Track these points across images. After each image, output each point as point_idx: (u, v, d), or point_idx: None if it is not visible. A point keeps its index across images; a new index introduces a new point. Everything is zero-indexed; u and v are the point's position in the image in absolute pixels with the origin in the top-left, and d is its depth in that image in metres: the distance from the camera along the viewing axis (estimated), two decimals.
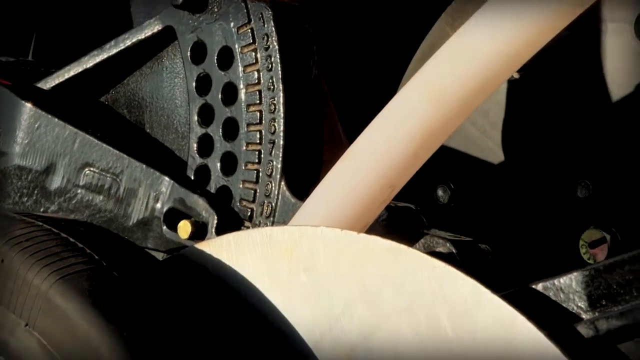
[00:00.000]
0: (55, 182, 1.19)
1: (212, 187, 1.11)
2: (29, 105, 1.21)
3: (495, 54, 0.83)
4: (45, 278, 0.80)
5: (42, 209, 1.20)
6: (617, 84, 1.06)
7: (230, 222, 1.08)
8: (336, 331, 0.81)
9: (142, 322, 0.79)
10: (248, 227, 1.07)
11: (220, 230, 1.06)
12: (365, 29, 1.49)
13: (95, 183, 1.16)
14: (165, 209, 1.11)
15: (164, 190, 1.12)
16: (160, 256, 1.12)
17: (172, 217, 1.11)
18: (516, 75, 1.13)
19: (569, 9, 0.82)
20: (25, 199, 1.21)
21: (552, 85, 1.11)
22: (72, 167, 1.18)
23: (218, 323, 0.86)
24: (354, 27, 1.44)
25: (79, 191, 1.18)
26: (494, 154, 1.15)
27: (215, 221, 1.07)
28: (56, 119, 1.19)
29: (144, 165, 1.14)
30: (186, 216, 1.10)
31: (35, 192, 1.21)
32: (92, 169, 1.17)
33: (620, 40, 1.06)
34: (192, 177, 1.14)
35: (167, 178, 1.12)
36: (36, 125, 1.20)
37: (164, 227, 1.11)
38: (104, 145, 1.17)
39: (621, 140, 1.06)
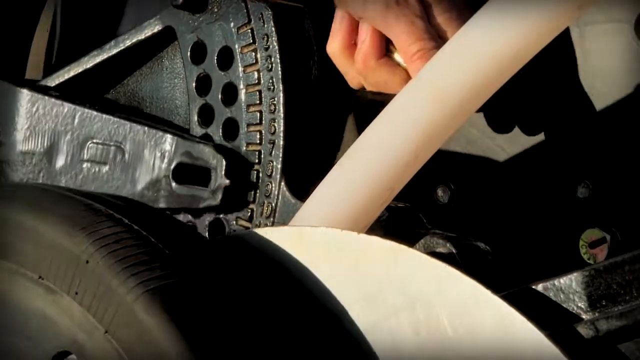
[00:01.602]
0: (60, 160, 1.19)
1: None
2: (25, 90, 1.21)
3: (497, 54, 0.83)
4: (131, 289, 0.76)
5: None
6: (617, 84, 1.06)
7: (239, 165, 1.07)
8: None
9: (224, 343, 0.76)
10: (248, 227, 1.07)
11: (230, 174, 1.06)
12: None
13: (100, 154, 1.16)
14: (173, 166, 1.11)
15: (169, 148, 1.11)
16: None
17: (181, 172, 1.10)
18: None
19: (571, 9, 0.82)
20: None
21: (552, 85, 1.11)
22: (75, 143, 1.18)
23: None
24: None
25: (84, 165, 1.17)
26: (494, 154, 1.15)
27: (224, 164, 1.07)
28: (53, 99, 1.19)
29: (146, 127, 1.13)
30: (195, 168, 1.09)
31: (41, 174, 1.20)
32: (94, 140, 1.17)
33: (620, 40, 1.06)
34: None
35: (169, 135, 1.11)
36: (34, 109, 1.20)
37: (174, 184, 1.10)
38: (104, 115, 1.16)
39: (621, 140, 1.06)
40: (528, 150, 1.13)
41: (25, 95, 1.21)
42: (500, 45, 0.83)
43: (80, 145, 1.17)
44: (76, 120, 1.18)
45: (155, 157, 1.12)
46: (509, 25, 0.82)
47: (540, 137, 1.12)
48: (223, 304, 0.78)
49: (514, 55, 0.83)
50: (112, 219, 0.82)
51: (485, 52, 0.84)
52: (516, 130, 1.14)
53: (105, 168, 1.16)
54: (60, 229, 0.81)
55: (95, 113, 1.17)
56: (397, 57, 1.04)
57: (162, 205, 1.12)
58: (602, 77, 1.08)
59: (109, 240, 0.79)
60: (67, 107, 1.18)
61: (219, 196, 1.07)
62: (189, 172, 1.09)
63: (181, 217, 1.13)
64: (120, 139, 1.15)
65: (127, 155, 1.14)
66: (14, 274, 0.83)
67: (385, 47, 1.04)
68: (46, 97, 1.20)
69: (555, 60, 1.09)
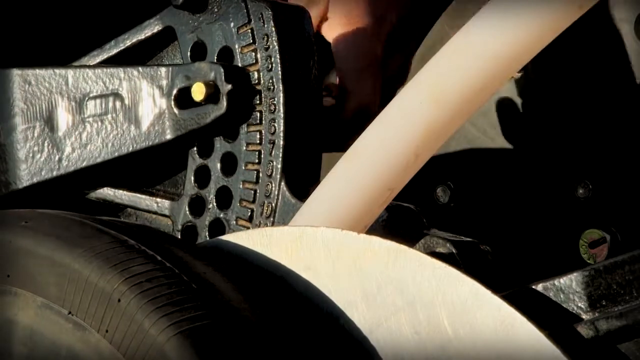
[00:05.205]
0: (62, 126, 1.18)
1: (212, 188, 1.11)
2: (14, 70, 1.20)
3: (497, 54, 0.83)
4: (162, 330, 0.74)
5: (56, 158, 1.18)
6: (617, 84, 1.07)
7: (238, 71, 1.07)
8: None
9: None
10: (248, 228, 1.07)
11: (231, 79, 1.05)
12: None
13: (100, 107, 1.15)
14: (173, 94, 1.10)
15: (165, 79, 1.11)
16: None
17: (182, 99, 1.10)
18: (517, 75, 1.13)
19: (572, 9, 0.83)
20: (38, 155, 1.20)
21: (552, 85, 1.11)
22: (73, 104, 1.17)
23: None
24: None
25: (86, 123, 1.17)
26: (494, 154, 1.15)
27: (223, 71, 1.06)
28: (43, 69, 1.19)
29: (140, 68, 1.13)
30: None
31: (45, 144, 1.20)
32: (92, 95, 1.16)
33: (620, 40, 1.06)
34: (192, 177, 1.13)
35: (164, 68, 1.11)
36: (27, 85, 1.20)
37: (177, 110, 1.10)
38: (96, 69, 1.16)
39: (621, 140, 1.06)
40: (528, 151, 1.13)
41: (14, 74, 1.20)
42: (501, 45, 0.83)
43: (79, 104, 1.17)
44: (69, 82, 1.17)
45: (154, 92, 1.11)
46: (509, 25, 0.83)
47: (540, 137, 1.12)
48: (255, 347, 0.77)
49: (514, 55, 0.83)
50: (144, 256, 0.80)
51: (485, 52, 0.84)
52: (516, 130, 1.14)
53: (108, 119, 1.14)
54: (92, 265, 0.79)
55: (86, 69, 1.16)
56: None
57: (169, 136, 1.11)
58: (601, 76, 1.08)
59: (141, 279, 0.77)
60: (58, 72, 1.18)
61: (224, 103, 1.06)
62: (191, 99, 1.08)
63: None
64: (117, 86, 1.14)
65: (126, 100, 1.13)
66: (43, 308, 0.82)
67: None
68: (36, 70, 1.19)
69: (555, 60, 1.09)
